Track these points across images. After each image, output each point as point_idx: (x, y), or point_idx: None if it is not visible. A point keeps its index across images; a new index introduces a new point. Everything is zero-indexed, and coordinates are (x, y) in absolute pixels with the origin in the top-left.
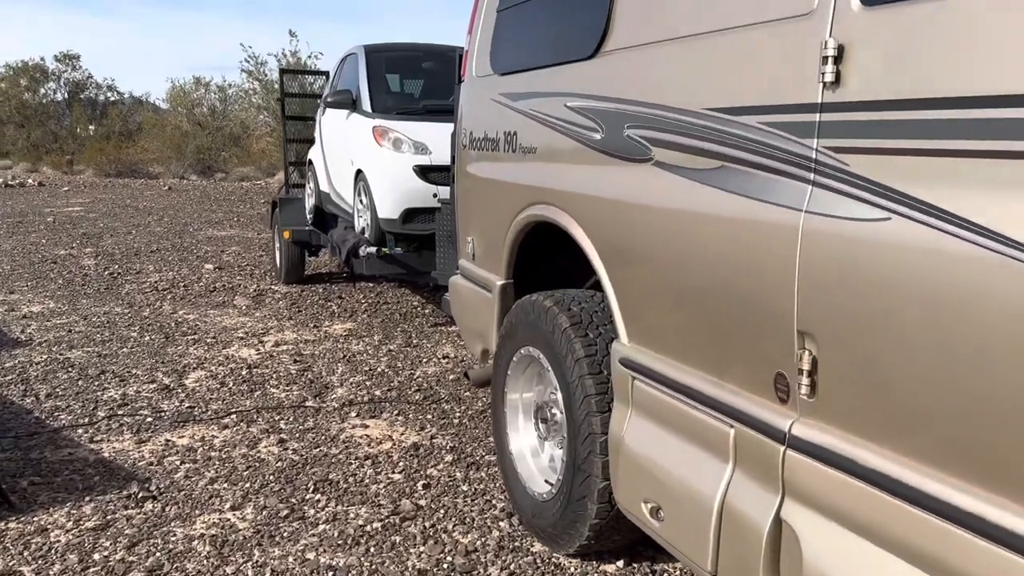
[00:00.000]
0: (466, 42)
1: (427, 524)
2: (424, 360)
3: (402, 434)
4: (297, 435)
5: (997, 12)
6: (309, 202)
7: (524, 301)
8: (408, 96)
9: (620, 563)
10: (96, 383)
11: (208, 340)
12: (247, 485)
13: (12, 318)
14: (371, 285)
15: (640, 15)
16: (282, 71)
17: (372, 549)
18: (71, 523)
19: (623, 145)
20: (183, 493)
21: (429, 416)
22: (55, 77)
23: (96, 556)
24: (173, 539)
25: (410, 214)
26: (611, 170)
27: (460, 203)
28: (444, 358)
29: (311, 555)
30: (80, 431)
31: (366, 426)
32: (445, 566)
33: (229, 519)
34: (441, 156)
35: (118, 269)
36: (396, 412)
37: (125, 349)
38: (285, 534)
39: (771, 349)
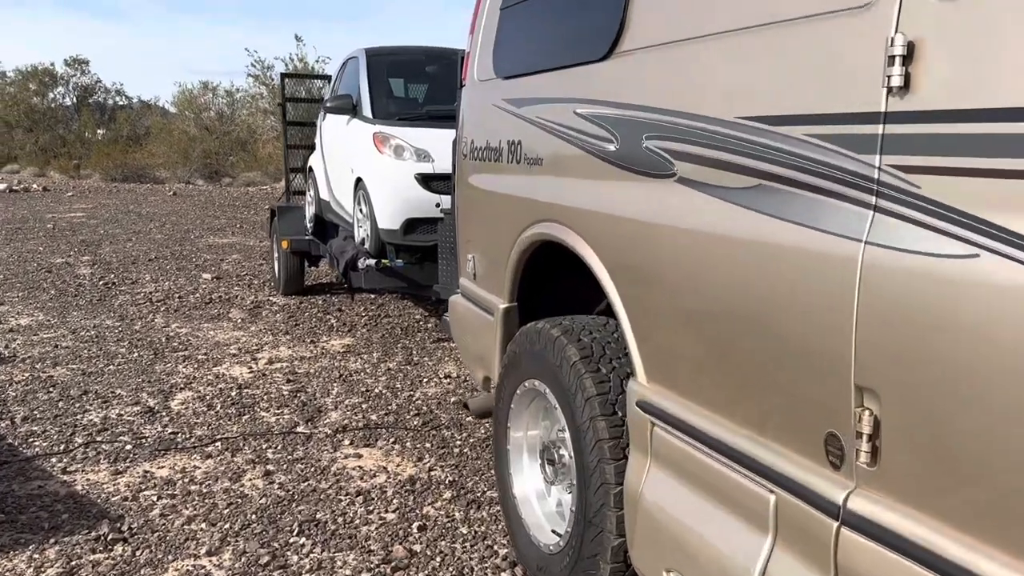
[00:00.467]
0: (467, 43)
1: (421, 575)
2: (424, 380)
3: (398, 465)
4: (285, 466)
5: None
6: (309, 210)
7: (529, 329)
8: (411, 101)
9: None
10: (77, 405)
11: (199, 357)
12: (227, 526)
13: None
14: (372, 297)
15: (661, 10)
16: (283, 75)
17: None
18: (31, 570)
19: (641, 158)
20: (157, 535)
21: (428, 444)
22: (64, 82)
23: None
24: None
25: (411, 224)
26: (627, 186)
27: (460, 217)
28: (446, 377)
29: None
30: (54, 460)
31: (359, 455)
32: None
33: (204, 566)
34: (444, 164)
35: (113, 279)
36: (392, 440)
37: (112, 367)
38: None
39: (822, 404)
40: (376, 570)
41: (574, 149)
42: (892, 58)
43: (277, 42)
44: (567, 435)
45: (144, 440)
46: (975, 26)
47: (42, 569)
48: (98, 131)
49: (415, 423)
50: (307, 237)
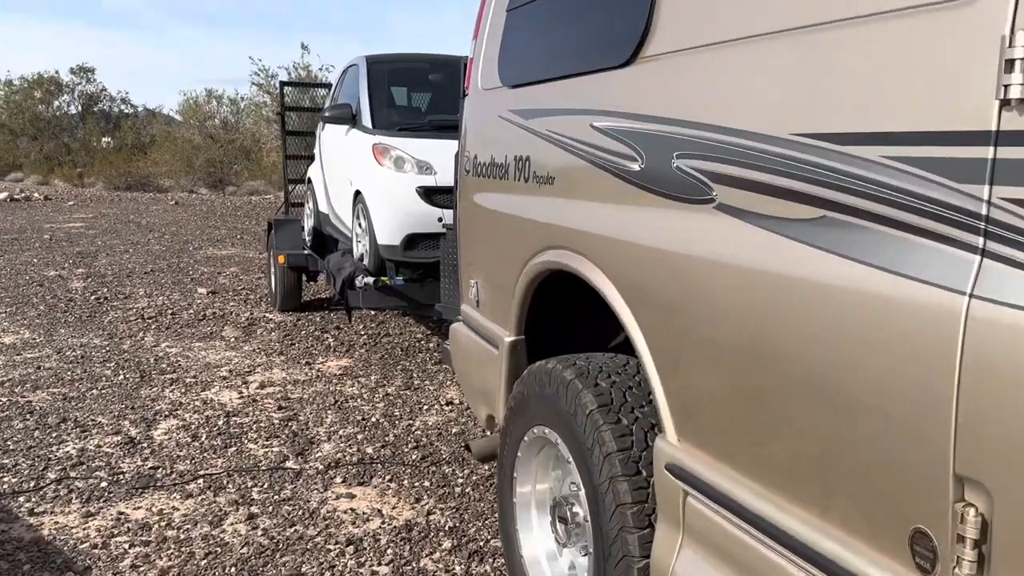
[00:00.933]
0: (471, 49)
1: None
2: (425, 407)
3: (394, 507)
4: (270, 508)
5: None
6: (308, 223)
7: (538, 369)
8: (413, 111)
9: None
10: (54, 435)
11: (187, 380)
12: None
13: None
14: (372, 314)
15: (696, 7)
16: (282, 83)
17: None
18: None
19: (671, 180)
20: None
21: (427, 483)
22: (69, 90)
23: None
24: None
25: (412, 240)
26: (653, 212)
27: (462, 239)
28: (447, 404)
29: None
30: (22, 499)
31: (352, 496)
32: None
33: None
34: (447, 176)
35: (106, 293)
36: (388, 477)
37: (95, 391)
38: None
39: (907, 494)
40: None
41: (590, 168)
42: (1011, 63)
43: (288, 51)
44: (582, 493)
45: (121, 476)
46: None
47: None
48: (103, 139)
49: (413, 457)
50: (304, 252)
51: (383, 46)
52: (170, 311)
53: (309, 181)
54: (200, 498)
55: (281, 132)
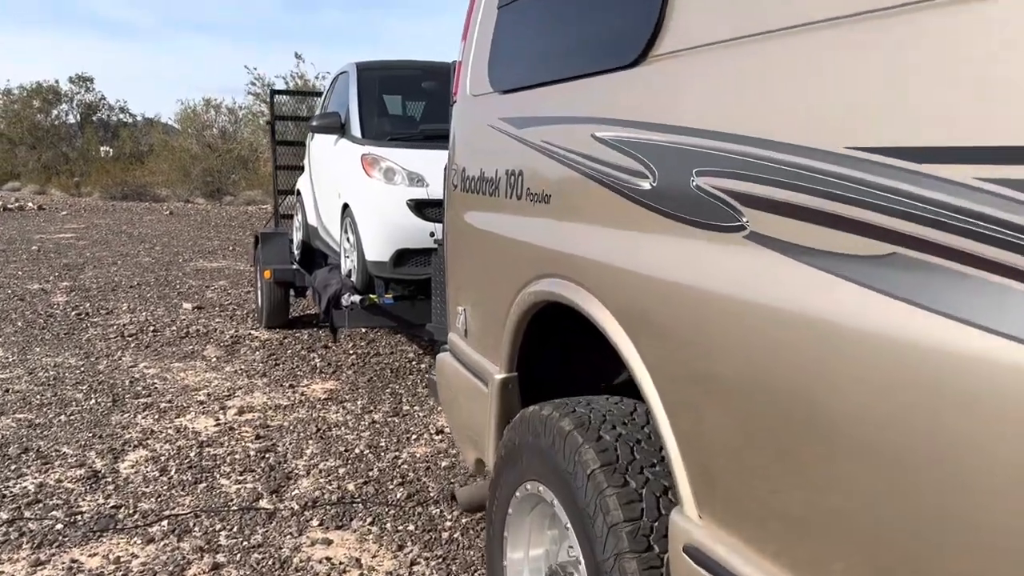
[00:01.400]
0: (459, 51)
1: None
2: (413, 436)
3: (374, 556)
4: (238, 556)
5: None
6: (296, 236)
7: (532, 415)
8: (405, 120)
9: None
10: (12, 468)
11: (162, 405)
12: None
13: None
14: (363, 332)
15: None
16: (272, 92)
17: None
18: None
19: (690, 201)
20: None
21: (411, 526)
22: (68, 99)
23: None
24: None
25: (402, 256)
26: (667, 239)
27: (449, 260)
28: (437, 434)
29: None
30: None
31: (329, 541)
32: None
33: None
34: (440, 189)
35: (88, 308)
36: (370, 520)
37: (63, 417)
38: None
39: None
40: None
41: (592, 185)
42: None
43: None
44: (582, 566)
45: (79, 517)
46: None
47: None
48: (102, 148)
49: (398, 496)
50: (292, 267)
51: (386, 56)
52: (152, 328)
53: (298, 193)
54: (163, 543)
55: (271, 142)
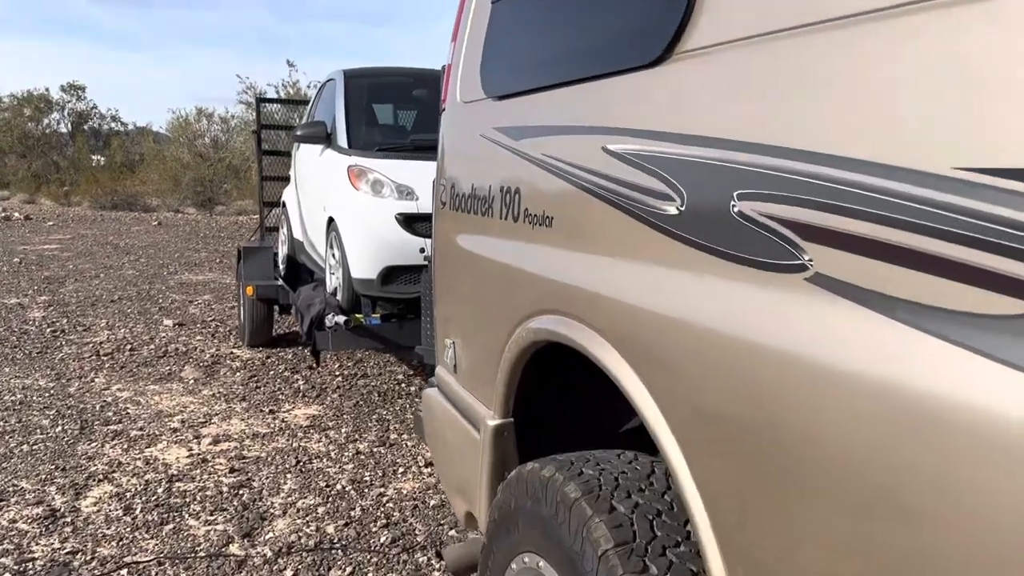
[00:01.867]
0: (449, 53)
1: None
2: (400, 469)
3: None
4: None
5: None
6: (281, 250)
7: (531, 474)
8: (395, 129)
9: None
10: None
11: (133, 433)
12: None
13: None
14: (350, 351)
15: None
16: (259, 100)
17: None
18: None
19: (730, 231)
20: None
21: None
22: (59, 107)
23: None
24: None
25: (391, 273)
26: (701, 278)
27: (437, 285)
28: (427, 466)
29: None
30: None
31: None
32: None
33: None
34: (431, 202)
35: (65, 325)
36: (350, 569)
37: (26, 446)
38: None
39: None
40: None
41: (603, 207)
42: None
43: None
44: None
45: (30, 564)
46: None
47: None
48: (93, 157)
49: (382, 540)
50: (275, 283)
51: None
52: (129, 346)
53: (283, 205)
54: None
55: (256, 151)
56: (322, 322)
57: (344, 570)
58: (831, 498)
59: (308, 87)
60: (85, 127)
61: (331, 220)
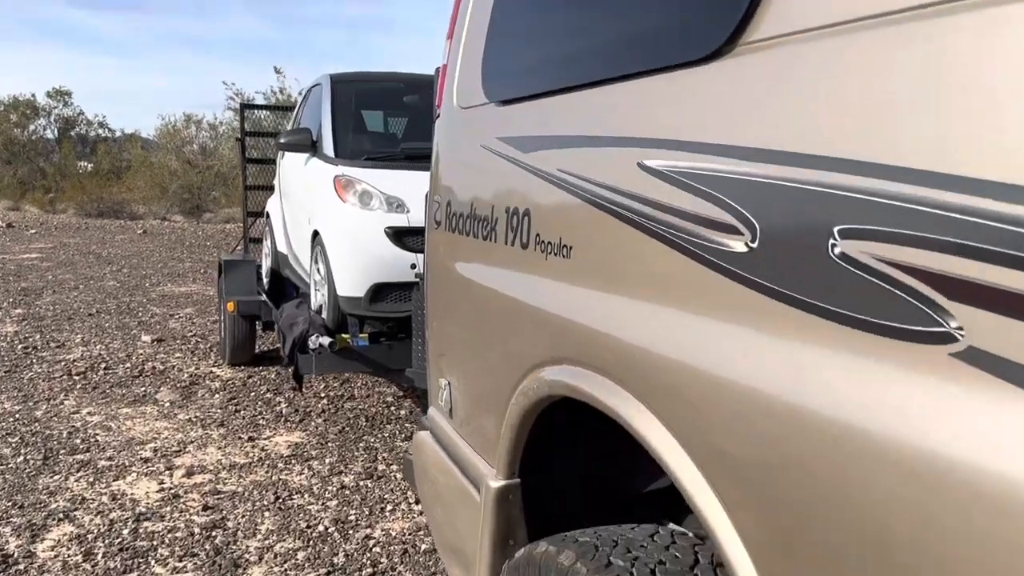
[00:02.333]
0: (444, 53)
1: None
2: (389, 507)
3: None
4: None
5: None
6: (265, 263)
7: (544, 557)
8: (384, 137)
9: None
10: None
11: (100, 463)
12: None
13: None
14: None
15: None
16: (242, 106)
17: None
18: None
19: (829, 280)
20: None
21: None
22: (46, 113)
23: None
24: None
25: (379, 291)
26: (786, 339)
27: (430, 316)
28: (418, 503)
29: None
30: None
31: None
32: None
33: None
34: (423, 215)
35: (38, 341)
36: None
37: None
38: None
39: None
40: None
41: (639, 237)
42: None
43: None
44: None
45: None
46: None
47: None
48: (79, 163)
49: None
50: (258, 298)
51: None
52: (104, 364)
53: (267, 216)
54: None
55: (240, 159)
56: (305, 343)
57: None
58: None
59: (299, 93)
60: (72, 133)
61: (316, 233)
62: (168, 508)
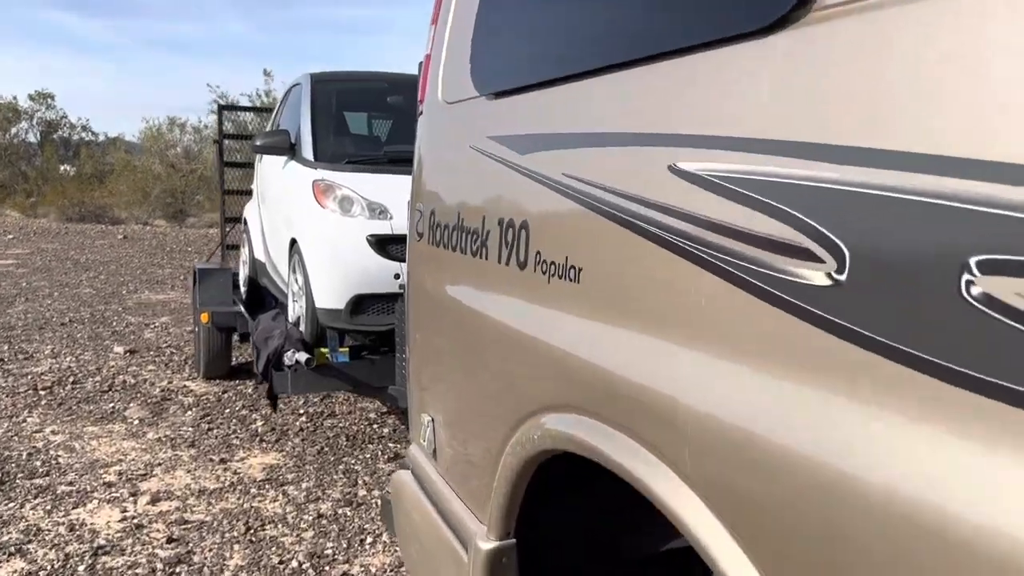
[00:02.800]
0: (428, 40)
1: None
2: (368, 539)
3: None
4: None
5: None
6: (242, 272)
7: None
8: (368, 140)
9: None
10: None
11: (61, 488)
12: None
13: None
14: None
15: None
16: (221, 107)
17: None
18: None
19: (964, 329)
20: None
21: None
22: (28, 116)
23: None
24: None
25: (361, 303)
26: (899, 422)
27: (411, 341)
28: None
29: None
30: None
31: None
32: None
33: None
34: (407, 222)
35: (6, 352)
36: None
37: None
38: None
39: None
40: None
41: (674, 262)
42: None
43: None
44: None
45: None
46: None
47: None
48: (62, 167)
49: None
50: (234, 309)
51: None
52: (72, 378)
53: (245, 222)
54: None
55: (218, 163)
56: (280, 360)
57: None
58: None
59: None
60: (55, 136)
61: (294, 241)
62: (130, 540)
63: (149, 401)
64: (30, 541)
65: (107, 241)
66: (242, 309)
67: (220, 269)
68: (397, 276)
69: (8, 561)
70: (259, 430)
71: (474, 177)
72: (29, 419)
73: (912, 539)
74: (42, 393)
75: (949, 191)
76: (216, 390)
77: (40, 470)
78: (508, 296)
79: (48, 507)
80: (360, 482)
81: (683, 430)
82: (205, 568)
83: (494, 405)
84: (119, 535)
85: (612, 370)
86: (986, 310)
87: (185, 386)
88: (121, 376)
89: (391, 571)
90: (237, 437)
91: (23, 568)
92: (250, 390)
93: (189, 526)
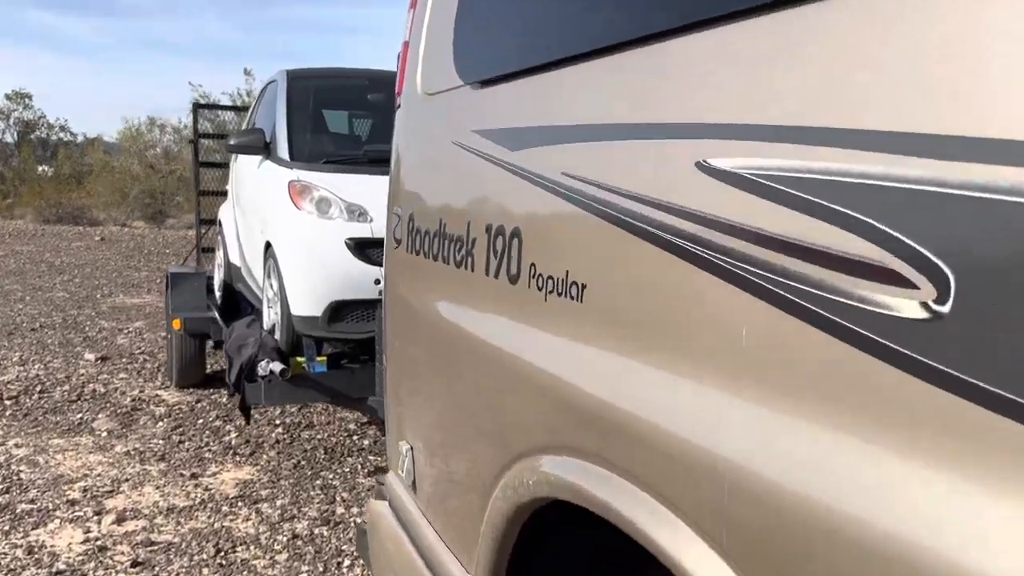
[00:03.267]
0: (406, 26)
1: None
2: (347, 561)
3: None
4: None
5: None
6: (217, 276)
7: None
8: (347, 139)
9: None
10: None
11: (21, 507)
12: None
13: None
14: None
15: None
16: (195, 106)
17: None
18: None
19: None
20: None
21: None
22: (4, 116)
23: None
24: None
25: (339, 310)
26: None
27: (388, 359)
28: None
29: None
30: None
31: None
32: None
33: None
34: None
35: None
36: None
37: None
38: None
39: None
40: None
41: (707, 281)
42: None
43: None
44: None
45: None
46: None
47: None
48: (39, 168)
49: None
50: (207, 315)
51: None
52: (40, 387)
53: (219, 224)
54: None
55: (193, 163)
56: (253, 370)
57: None
58: None
59: None
60: (32, 137)
61: (269, 245)
62: (92, 564)
63: (119, 411)
64: None
65: (84, 243)
66: (216, 315)
67: (194, 273)
68: (377, 282)
69: None
70: (233, 442)
71: (458, 177)
72: None
73: None
74: (7, 403)
75: None
76: (189, 399)
77: (0, 487)
78: (497, 314)
79: (6, 527)
80: (338, 499)
81: (717, 494)
82: None
83: (481, 440)
84: (80, 559)
85: (625, 409)
86: None
87: (157, 395)
88: (91, 384)
89: None
90: (210, 450)
91: None
92: (224, 399)
93: (156, 548)
